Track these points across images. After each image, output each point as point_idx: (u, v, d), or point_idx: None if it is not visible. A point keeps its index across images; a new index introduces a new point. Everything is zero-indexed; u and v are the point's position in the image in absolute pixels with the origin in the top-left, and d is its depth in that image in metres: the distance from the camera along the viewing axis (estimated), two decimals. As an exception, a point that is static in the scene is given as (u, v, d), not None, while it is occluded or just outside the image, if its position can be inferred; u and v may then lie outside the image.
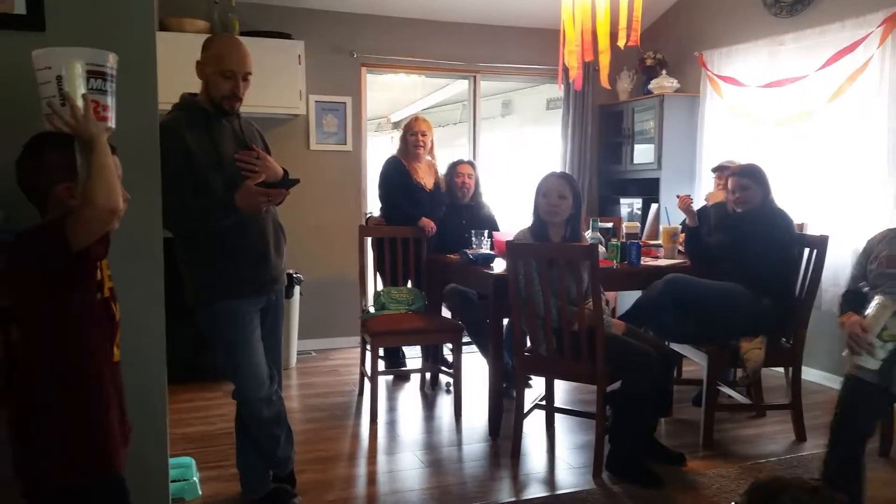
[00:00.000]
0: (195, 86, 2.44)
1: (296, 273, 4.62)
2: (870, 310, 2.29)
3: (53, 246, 1.46)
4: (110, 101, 1.62)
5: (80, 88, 1.55)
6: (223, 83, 2.35)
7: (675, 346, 3.48)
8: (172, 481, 2.39)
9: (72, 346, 1.54)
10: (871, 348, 2.25)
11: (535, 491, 2.88)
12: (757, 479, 1.44)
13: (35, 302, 1.53)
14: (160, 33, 2.12)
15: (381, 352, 3.78)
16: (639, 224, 4.32)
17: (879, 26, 3.88)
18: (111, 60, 1.62)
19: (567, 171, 5.61)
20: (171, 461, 2.34)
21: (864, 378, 2.31)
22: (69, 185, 1.55)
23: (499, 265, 3.49)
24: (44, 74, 1.55)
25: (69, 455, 1.53)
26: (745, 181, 3.35)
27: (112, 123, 1.63)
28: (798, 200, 4.28)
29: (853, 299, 2.46)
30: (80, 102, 1.54)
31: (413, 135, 4.25)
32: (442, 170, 4.41)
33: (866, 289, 2.44)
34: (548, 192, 3.12)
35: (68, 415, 1.53)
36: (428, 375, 4.33)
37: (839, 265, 4.07)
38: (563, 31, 3.65)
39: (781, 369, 3.71)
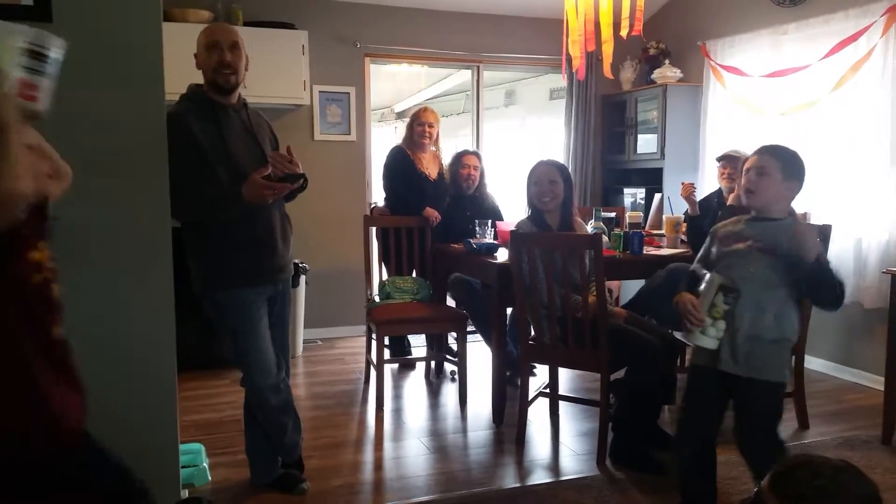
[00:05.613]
0: (198, 76, 2.46)
1: (301, 263, 4.64)
2: (702, 287, 2.22)
3: None
4: (45, 82, 1.52)
5: (14, 65, 1.47)
6: (211, 56, 2.38)
7: (678, 335, 3.50)
8: (183, 467, 2.43)
9: None
10: (703, 325, 2.17)
11: (539, 477, 2.91)
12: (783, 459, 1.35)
13: None
14: (164, 23, 2.13)
15: (386, 340, 3.81)
16: (642, 214, 4.33)
17: (882, 16, 3.87)
18: (54, 43, 1.53)
19: (570, 161, 5.63)
20: (181, 447, 2.38)
21: (699, 363, 2.28)
22: None
23: (502, 255, 3.51)
24: None
25: None
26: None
27: (41, 105, 1.52)
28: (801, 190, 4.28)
29: (689, 280, 2.39)
30: (10, 79, 1.43)
31: (420, 125, 4.25)
32: (446, 160, 4.42)
33: (704, 271, 2.35)
34: (539, 179, 3.15)
35: None
36: (433, 364, 4.36)
37: (842, 254, 4.08)
38: (566, 20, 3.66)
39: (784, 358, 3.76)
